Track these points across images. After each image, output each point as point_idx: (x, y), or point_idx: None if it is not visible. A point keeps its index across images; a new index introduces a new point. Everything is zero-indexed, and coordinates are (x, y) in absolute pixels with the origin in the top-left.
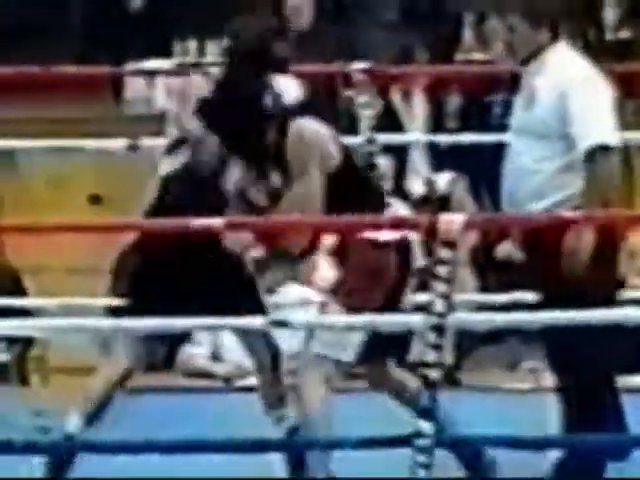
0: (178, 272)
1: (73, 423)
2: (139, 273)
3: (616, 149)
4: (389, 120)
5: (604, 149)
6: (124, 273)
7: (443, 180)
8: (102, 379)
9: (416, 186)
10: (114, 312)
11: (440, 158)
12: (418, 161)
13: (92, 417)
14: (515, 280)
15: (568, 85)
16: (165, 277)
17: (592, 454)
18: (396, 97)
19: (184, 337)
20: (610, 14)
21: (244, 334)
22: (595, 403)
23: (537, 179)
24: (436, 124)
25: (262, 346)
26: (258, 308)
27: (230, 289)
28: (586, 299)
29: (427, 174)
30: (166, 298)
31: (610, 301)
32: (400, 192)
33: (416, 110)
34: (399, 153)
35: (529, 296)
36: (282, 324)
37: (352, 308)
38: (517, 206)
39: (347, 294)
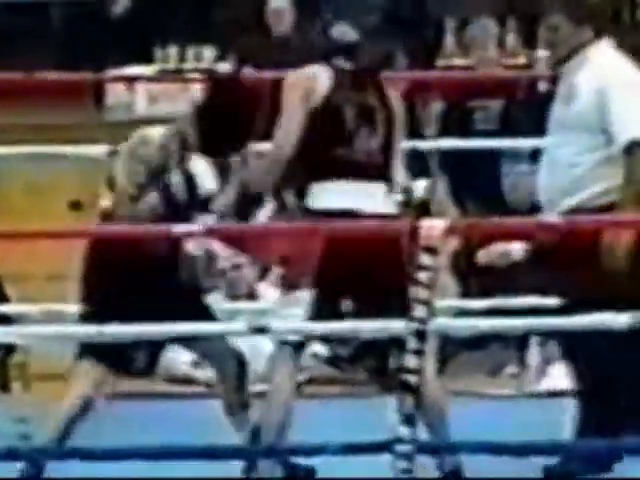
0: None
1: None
2: (95, 279)
3: None
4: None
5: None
6: (84, 279)
7: (420, 186)
8: (74, 388)
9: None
10: (86, 319)
11: (422, 164)
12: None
13: (66, 427)
14: (498, 285)
15: (608, 80)
16: (120, 283)
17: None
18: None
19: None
20: None
21: (200, 343)
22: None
23: (576, 172)
24: (413, 130)
25: (226, 354)
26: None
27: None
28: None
29: (404, 181)
30: (122, 304)
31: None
32: None
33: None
34: None
35: (512, 301)
36: (262, 330)
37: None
38: (554, 199)
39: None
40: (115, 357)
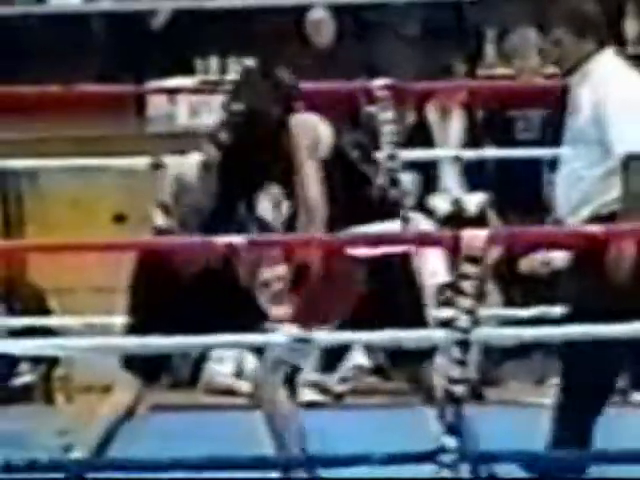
0: (192, 292)
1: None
2: (150, 292)
3: None
4: (422, 136)
5: (638, 157)
6: (133, 291)
7: (474, 201)
8: (116, 399)
9: (441, 204)
10: (133, 330)
11: (469, 174)
12: (448, 178)
13: (107, 438)
14: (540, 294)
15: (605, 93)
16: (177, 296)
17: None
18: (431, 113)
19: (206, 355)
20: (631, 28)
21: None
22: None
23: (584, 185)
24: (472, 140)
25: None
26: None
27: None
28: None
29: (457, 192)
30: (179, 318)
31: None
32: (424, 209)
33: (452, 126)
34: (428, 169)
35: (555, 310)
36: (305, 341)
37: (307, 320)
38: (572, 211)
39: (307, 305)
40: (157, 369)
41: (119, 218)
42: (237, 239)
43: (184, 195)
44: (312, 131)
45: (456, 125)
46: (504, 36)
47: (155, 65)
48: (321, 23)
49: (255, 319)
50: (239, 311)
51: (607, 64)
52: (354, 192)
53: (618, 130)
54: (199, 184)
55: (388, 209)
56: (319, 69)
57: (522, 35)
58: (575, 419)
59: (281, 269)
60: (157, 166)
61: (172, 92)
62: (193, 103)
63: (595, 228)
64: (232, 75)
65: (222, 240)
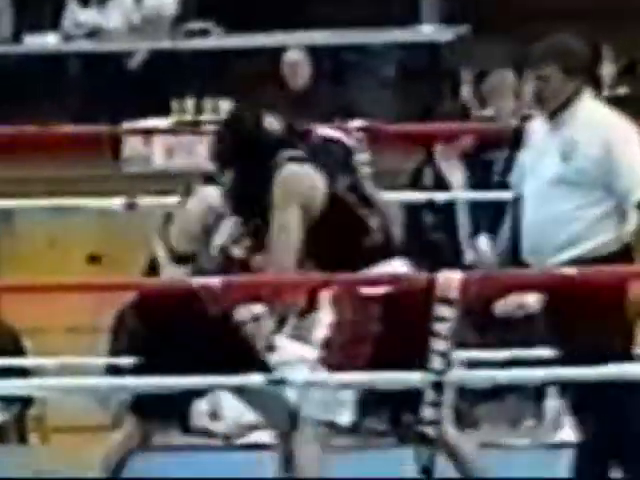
0: (178, 332)
1: None
2: (139, 332)
3: None
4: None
5: None
6: (123, 332)
7: (483, 245)
8: (115, 442)
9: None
10: (113, 371)
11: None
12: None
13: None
14: (515, 336)
15: (610, 136)
16: (165, 336)
17: None
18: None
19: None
20: (607, 71)
21: (253, 395)
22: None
23: (576, 226)
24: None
25: (277, 406)
26: (259, 366)
27: (229, 349)
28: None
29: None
30: (165, 357)
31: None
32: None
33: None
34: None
35: (530, 352)
36: (280, 382)
37: (338, 366)
38: (546, 255)
39: (332, 351)
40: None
41: (94, 258)
42: (213, 280)
43: (220, 224)
44: (304, 182)
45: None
46: (481, 78)
47: (131, 106)
48: (297, 65)
49: (245, 360)
50: (232, 353)
51: (595, 107)
52: (354, 237)
53: (630, 173)
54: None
55: (380, 252)
56: (295, 111)
57: (499, 77)
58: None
59: (258, 308)
60: (132, 206)
61: (148, 133)
62: (169, 144)
63: (571, 271)
64: (207, 116)
65: (197, 281)
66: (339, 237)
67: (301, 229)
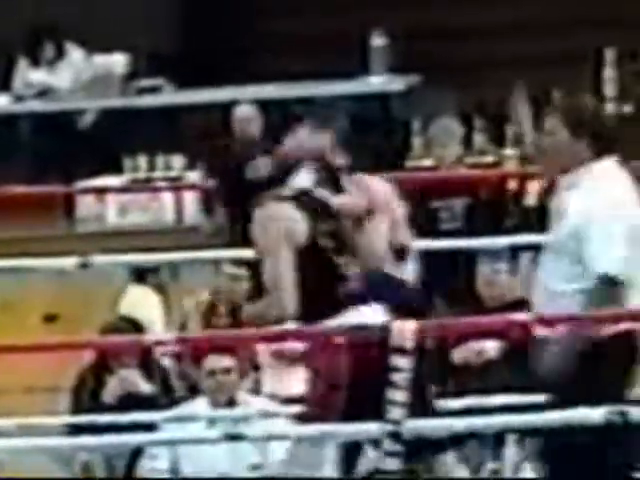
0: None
1: None
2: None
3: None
4: None
5: (611, 280)
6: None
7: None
8: None
9: None
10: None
11: None
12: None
13: None
14: (474, 383)
15: (591, 210)
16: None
17: None
18: None
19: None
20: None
21: None
22: None
23: (564, 302)
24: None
25: None
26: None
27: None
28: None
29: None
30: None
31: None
32: None
33: None
34: None
35: (487, 400)
36: (237, 437)
37: (312, 418)
38: None
39: (310, 405)
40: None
41: (49, 318)
42: (166, 336)
43: None
44: (285, 221)
45: None
46: (427, 126)
47: (84, 164)
48: (248, 119)
49: None
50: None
51: (599, 177)
52: (326, 284)
53: (597, 251)
54: None
55: (355, 300)
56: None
57: (443, 124)
58: None
59: (227, 360)
60: (85, 265)
61: (101, 191)
62: (122, 202)
63: (524, 316)
64: (160, 172)
65: (151, 338)
66: (309, 283)
67: (292, 266)
